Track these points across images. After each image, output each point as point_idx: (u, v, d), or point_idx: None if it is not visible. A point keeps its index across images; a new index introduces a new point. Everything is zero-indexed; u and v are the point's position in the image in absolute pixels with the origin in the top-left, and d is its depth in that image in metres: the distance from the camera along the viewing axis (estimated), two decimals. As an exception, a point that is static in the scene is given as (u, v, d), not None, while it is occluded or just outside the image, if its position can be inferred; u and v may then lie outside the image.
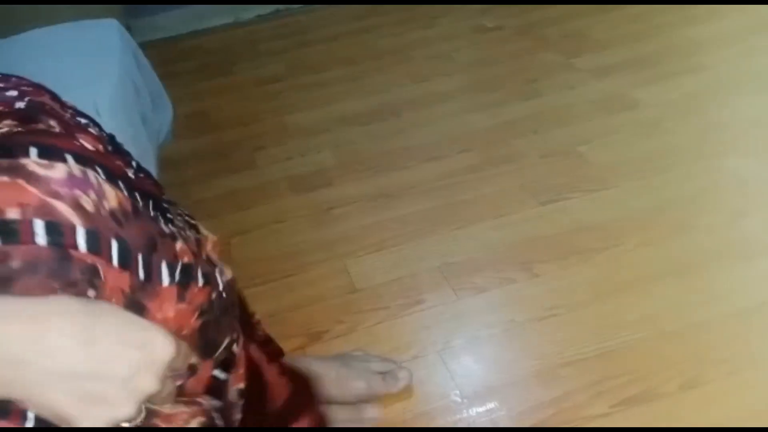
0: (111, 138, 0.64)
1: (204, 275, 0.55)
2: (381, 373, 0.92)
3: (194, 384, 0.57)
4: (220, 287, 0.58)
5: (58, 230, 0.44)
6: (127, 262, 0.47)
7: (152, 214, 0.55)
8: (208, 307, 0.56)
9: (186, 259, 0.53)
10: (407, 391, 0.92)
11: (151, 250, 0.50)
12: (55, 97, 0.62)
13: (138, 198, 0.54)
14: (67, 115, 0.58)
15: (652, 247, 1.12)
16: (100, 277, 0.44)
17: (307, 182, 1.44)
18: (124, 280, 0.47)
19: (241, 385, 0.68)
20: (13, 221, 0.42)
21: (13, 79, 0.60)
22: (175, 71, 2.04)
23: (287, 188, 1.43)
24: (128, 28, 1.76)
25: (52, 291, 0.42)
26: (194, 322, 0.55)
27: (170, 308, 0.51)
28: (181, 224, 0.59)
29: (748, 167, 1.29)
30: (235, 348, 0.65)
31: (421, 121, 1.62)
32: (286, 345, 1.02)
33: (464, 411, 0.89)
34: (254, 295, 1.13)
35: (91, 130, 0.59)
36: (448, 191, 1.35)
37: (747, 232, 1.13)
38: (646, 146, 1.40)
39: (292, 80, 1.91)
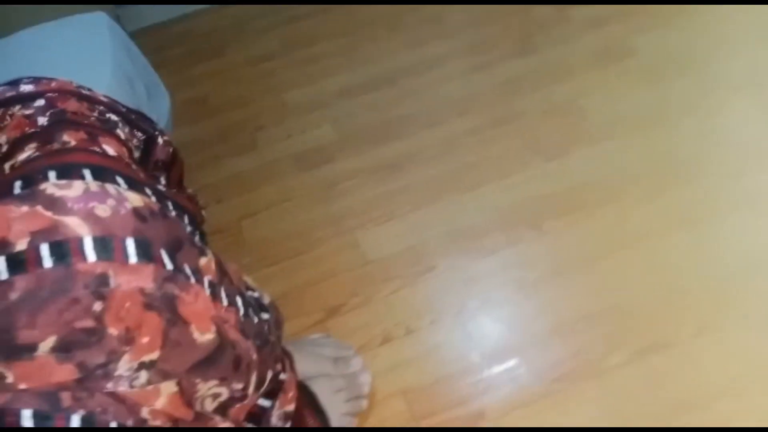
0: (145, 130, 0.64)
1: (228, 296, 0.56)
2: (333, 358, 0.91)
3: (238, 410, 0.59)
4: (241, 312, 0.58)
5: (62, 249, 0.44)
6: (148, 254, 0.48)
7: (189, 228, 0.56)
8: (243, 329, 0.57)
9: (210, 276, 0.54)
10: (429, 356, 0.94)
11: (175, 249, 0.51)
12: (83, 95, 0.62)
13: (170, 207, 0.55)
14: (94, 116, 0.59)
15: (658, 199, 1.13)
16: (108, 285, 0.45)
17: (309, 159, 1.44)
18: (147, 273, 0.47)
19: (290, 408, 0.69)
20: (21, 252, 0.43)
21: (43, 81, 0.60)
22: (168, 58, 2.02)
23: (291, 166, 1.43)
24: (117, 18, 1.75)
25: (54, 325, 0.43)
26: (239, 338, 0.55)
27: (207, 306, 0.51)
28: (206, 246, 0.60)
29: (752, 114, 1.28)
30: (282, 376, 0.66)
31: (418, 87, 1.61)
32: (304, 321, 1.04)
33: (485, 371, 0.91)
34: (269, 274, 1.15)
35: (119, 131, 0.59)
36: (451, 156, 1.35)
37: (752, 182, 1.13)
38: (647, 96, 1.39)
39: (285, 57, 1.89)
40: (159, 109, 1.33)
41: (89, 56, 1.14)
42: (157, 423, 0.48)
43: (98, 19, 1.25)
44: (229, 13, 2.28)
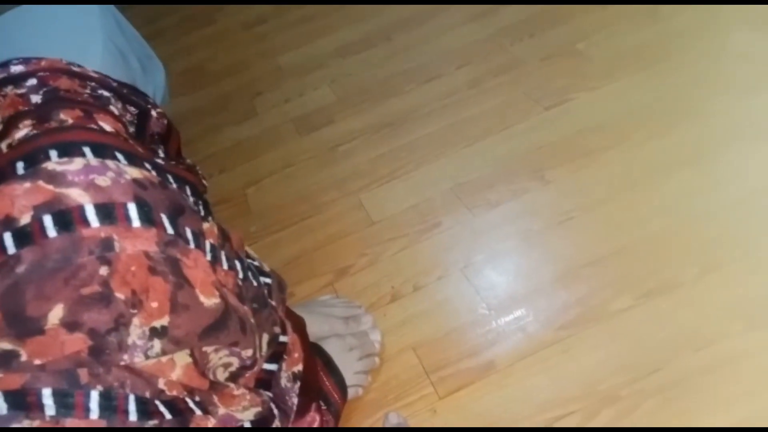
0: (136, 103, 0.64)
1: (228, 260, 0.57)
2: (343, 317, 0.93)
3: (248, 378, 0.60)
4: (240, 275, 0.59)
5: (65, 217, 0.45)
6: (150, 218, 0.49)
7: (191, 199, 0.57)
8: (240, 293, 0.58)
9: (211, 240, 0.55)
10: (438, 311, 0.96)
11: (177, 214, 0.52)
12: (74, 72, 0.62)
13: (170, 180, 0.56)
14: (87, 92, 0.59)
15: (660, 139, 1.12)
16: (113, 249, 0.46)
17: (309, 122, 1.44)
18: (150, 237, 0.48)
19: (298, 368, 0.71)
20: (25, 225, 0.44)
21: (33, 61, 0.60)
22: (160, 29, 2.01)
23: (291, 131, 1.43)
24: (105, -9, 1.73)
25: (61, 293, 0.44)
26: (237, 303, 0.56)
27: (207, 272, 0.52)
28: (210, 215, 0.61)
29: (754, 43, 1.26)
30: (282, 338, 0.68)
31: (413, 41, 1.59)
32: (315, 283, 1.06)
33: (493, 322, 0.93)
34: (277, 241, 1.17)
35: (112, 107, 0.60)
36: (452, 110, 1.35)
37: (756, 111, 1.12)
38: (645, 35, 1.37)
39: (278, 19, 1.87)
40: (154, 81, 1.32)
41: (79, 32, 1.13)
42: (173, 393, 0.50)
43: (86, -6, 1.24)
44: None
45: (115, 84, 0.68)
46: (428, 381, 0.87)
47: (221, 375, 0.56)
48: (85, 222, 0.46)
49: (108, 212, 0.47)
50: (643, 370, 0.82)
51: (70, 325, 0.44)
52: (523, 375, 0.85)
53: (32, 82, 0.58)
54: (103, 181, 0.48)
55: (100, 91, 0.63)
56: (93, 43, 1.09)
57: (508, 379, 0.85)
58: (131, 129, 0.65)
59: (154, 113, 0.71)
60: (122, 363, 0.46)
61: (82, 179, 0.47)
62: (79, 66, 0.66)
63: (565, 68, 1.36)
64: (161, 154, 0.68)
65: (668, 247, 0.96)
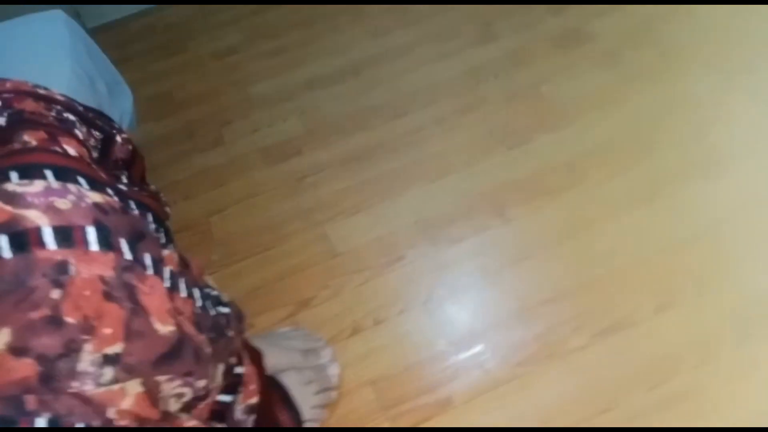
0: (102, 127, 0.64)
1: (186, 287, 0.57)
2: (302, 350, 0.93)
3: (201, 409, 0.59)
4: (198, 303, 0.59)
5: (22, 239, 0.45)
6: (108, 243, 0.48)
7: (153, 226, 0.56)
8: (197, 322, 0.57)
9: (171, 267, 0.55)
10: (398, 345, 0.96)
11: (136, 240, 0.51)
12: (39, 95, 0.61)
13: (132, 206, 0.55)
14: (52, 115, 0.59)
15: (617, 178, 1.16)
16: (68, 273, 0.46)
17: (277, 153, 1.44)
18: (107, 261, 0.48)
19: (254, 400, 0.70)
20: None
21: (3, 82, 0.60)
22: (130, 54, 2.00)
23: (258, 161, 1.44)
24: (77, 15, 1.72)
25: (9, 317, 0.43)
26: (193, 332, 0.56)
27: (163, 299, 0.52)
28: (171, 243, 0.61)
29: (707, 84, 1.32)
30: (238, 369, 0.67)
31: (382, 78, 1.62)
32: (275, 315, 1.05)
33: (452, 357, 0.93)
34: (238, 270, 1.16)
35: (77, 131, 0.59)
36: (417, 146, 1.37)
37: (708, 149, 1.17)
38: (605, 78, 1.42)
39: (249, 50, 1.88)
40: (122, 106, 1.32)
41: (47, 55, 1.13)
42: (124, 423, 0.49)
43: (55, 16, 1.23)
44: (191, 8, 2.26)
45: (80, 108, 0.68)
46: (385, 416, 0.87)
47: (173, 405, 0.55)
48: (42, 244, 0.45)
49: (66, 235, 0.46)
50: (597, 408, 0.83)
51: (18, 350, 0.43)
52: (481, 411, 0.86)
53: None
54: (63, 204, 0.48)
55: (65, 115, 0.63)
56: (60, 66, 1.08)
57: (465, 415, 0.85)
58: (95, 154, 0.65)
59: (119, 138, 0.71)
60: (72, 390, 0.45)
61: (42, 201, 0.47)
62: (45, 89, 0.66)
63: (528, 109, 1.40)
64: (124, 180, 0.68)
65: (625, 284, 0.98)
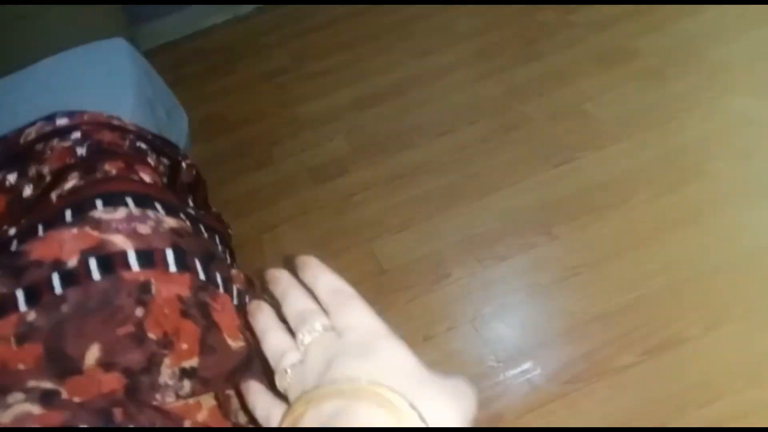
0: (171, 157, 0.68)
1: None
2: None
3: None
4: None
5: (109, 261, 0.49)
6: (185, 264, 0.52)
7: (220, 247, 0.60)
8: None
9: (238, 285, 0.58)
10: (447, 362, 0.98)
11: (208, 260, 0.55)
12: (114, 126, 0.66)
13: (202, 229, 0.60)
14: (127, 144, 0.63)
15: (663, 197, 1.16)
16: (150, 292, 0.50)
17: (324, 172, 1.48)
18: (183, 282, 0.52)
19: None
20: (72, 268, 0.48)
21: (77, 114, 0.65)
22: (182, 76, 2.08)
23: (306, 180, 1.48)
24: (132, 38, 1.81)
25: (98, 333, 0.47)
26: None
27: (233, 316, 0.56)
28: (235, 262, 0.65)
29: (753, 105, 1.31)
30: None
31: (427, 97, 1.65)
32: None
33: (500, 374, 0.95)
34: (290, 287, 1.19)
35: (149, 159, 0.64)
36: (462, 164, 1.39)
37: (756, 172, 1.16)
38: (649, 96, 1.42)
39: (297, 71, 1.94)
40: (178, 129, 1.38)
41: (112, 83, 1.20)
42: (196, 436, 0.53)
43: (118, 45, 1.31)
44: (242, 29, 2.34)
45: (149, 136, 0.73)
46: None
47: (242, 418, 0.58)
48: (127, 266, 0.49)
49: (148, 258, 0.50)
50: (648, 425, 0.83)
51: (107, 364, 0.47)
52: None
53: (77, 135, 0.63)
54: (144, 229, 0.52)
55: (137, 144, 0.68)
56: (124, 94, 1.15)
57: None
58: (164, 179, 0.69)
59: (184, 164, 0.76)
60: (155, 403, 0.49)
61: (125, 227, 0.51)
62: (118, 119, 0.71)
63: (572, 127, 1.41)
64: (191, 204, 0.72)
65: (672, 303, 0.98)
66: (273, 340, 0.36)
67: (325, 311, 0.35)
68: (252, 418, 0.58)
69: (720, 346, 0.90)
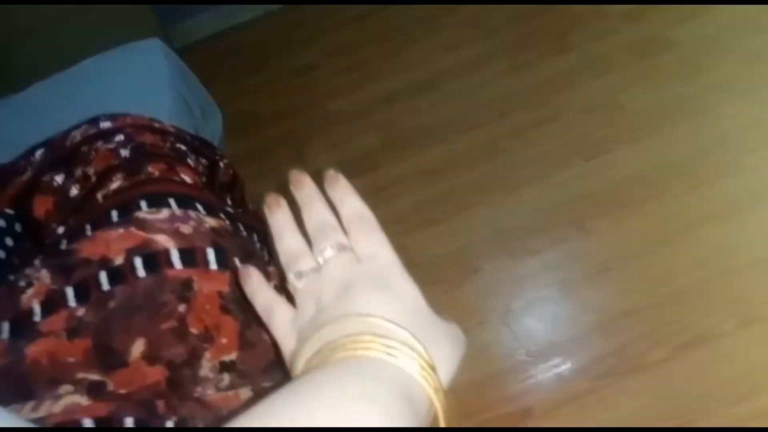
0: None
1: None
2: None
3: None
4: None
5: (154, 260, 0.52)
6: (225, 262, 0.54)
7: (258, 245, 0.63)
8: None
9: (275, 282, 0.60)
10: (478, 355, 0.99)
11: (247, 259, 0.57)
12: (155, 128, 0.69)
13: (241, 228, 0.62)
14: (167, 146, 0.66)
15: (697, 192, 1.14)
16: (192, 289, 0.52)
17: (355, 167, 1.50)
18: (224, 279, 0.54)
19: None
20: (119, 266, 0.51)
21: (119, 117, 0.68)
22: (215, 73, 2.11)
23: (338, 175, 1.49)
24: (167, 36, 1.85)
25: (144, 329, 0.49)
26: None
27: None
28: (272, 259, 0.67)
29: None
30: None
31: (458, 90, 1.65)
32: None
33: (531, 368, 0.95)
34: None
35: (189, 160, 0.66)
36: (493, 158, 1.39)
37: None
38: (685, 88, 1.40)
39: (327, 66, 1.96)
40: (212, 127, 1.41)
41: (149, 83, 1.23)
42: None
43: (153, 46, 1.34)
44: (272, 25, 2.36)
45: (188, 137, 0.75)
46: (467, 424, 0.90)
47: None
48: (170, 264, 0.52)
49: (190, 256, 0.53)
50: (680, 422, 0.83)
51: (151, 358, 0.50)
52: (560, 423, 0.87)
53: (120, 137, 0.65)
54: (186, 229, 0.54)
55: (178, 145, 0.70)
56: (161, 94, 1.18)
57: (545, 426, 0.87)
58: (203, 179, 0.71)
59: (222, 164, 0.78)
60: (196, 395, 0.51)
61: (168, 227, 0.53)
62: (158, 122, 0.74)
63: (605, 120, 1.39)
64: (229, 202, 0.74)
65: (705, 299, 0.97)
66: (290, 240, 0.37)
67: (344, 232, 0.36)
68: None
69: (752, 343, 0.89)
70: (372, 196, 1.26)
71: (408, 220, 1.30)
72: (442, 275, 1.15)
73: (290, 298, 0.37)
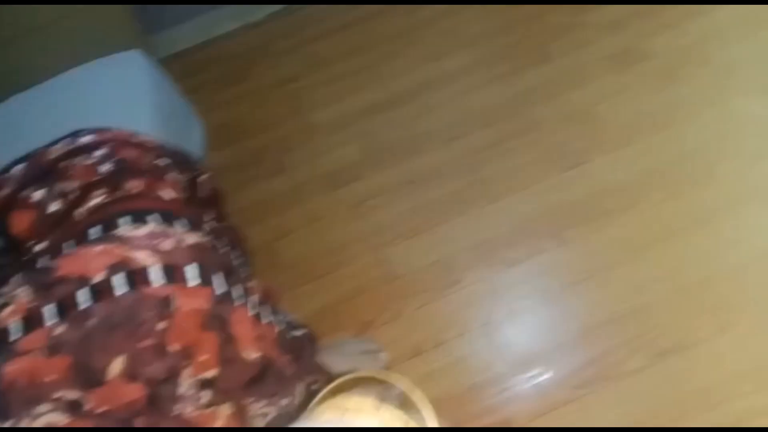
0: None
1: (269, 314, 0.63)
2: (360, 352, 1.02)
3: None
4: (279, 328, 0.65)
5: (133, 277, 0.51)
6: (205, 279, 0.54)
7: (236, 261, 0.63)
8: (280, 345, 0.63)
9: (255, 296, 0.60)
10: (458, 367, 0.99)
11: (227, 274, 0.57)
12: (136, 143, 0.69)
13: (221, 243, 0.62)
14: (148, 161, 0.66)
15: (675, 200, 1.16)
16: (172, 306, 0.52)
17: (337, 178, 1.50)
18: (204, 296, 0.54)
19: None
20: (98, 283, 0.50)
21: (101, 131, 0.68)
22: (196, 84, 2.10)
23: (319, 186, 1.50)
24: (147, 46, 1.83)
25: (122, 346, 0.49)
26: (276, 355, 0.61)
27: (249, 328, 0.58)
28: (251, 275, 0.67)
29: (766, 106, 1.31)
30: (314, 387, 0.72)
31: (438, 101, 1.66)
32: (340, 336, 1.10)
33: (511, 379, 0.96)
34: (304, 292, 1.22)
35: (171, 174, 0.66)
36: (473, 169, 1.40)
37: (765, 175, 1.16)
38: (661, 98, 1.42)
39: (309, 77, 1.96)
40: (193, 138, 1.41)
41: (129, 96, 1.23)
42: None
43: (134, 57, 1.34)
44: (254, 36, 2.36)
45: (169, 151, 0.75)
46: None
47: (259, 423, 0.60)
48: (150, 282, 0.52)
49: (169, 273, 0.53)
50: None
51: (130, 375, 0.49)
52: (540, 432, 0.88)
53: (101, 152, 0.65)
54: (165, 245, 0.54)
55: (158, 160, 0.70)
56: (142, 106, 1.18)
57: (525, 436, 0.88)
58: (184, 194, 0.71)
59: (202, 179, 0.78)
60: (175, 413, 0.51)
61: (148, 244, 0.53)
62: (140, 136, 0.74)
63: (583, 130, 1.41)
64: (210, 216, 0.74)
65: (682, 307, 0.99)
66: None
67: None
68: (268, 424, 0.60)
69: (729, 349, 0.91)
70: (353, 208, 1.27)
71: (389, 232, 1.31)
72: (423, 287, 1.16)
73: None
